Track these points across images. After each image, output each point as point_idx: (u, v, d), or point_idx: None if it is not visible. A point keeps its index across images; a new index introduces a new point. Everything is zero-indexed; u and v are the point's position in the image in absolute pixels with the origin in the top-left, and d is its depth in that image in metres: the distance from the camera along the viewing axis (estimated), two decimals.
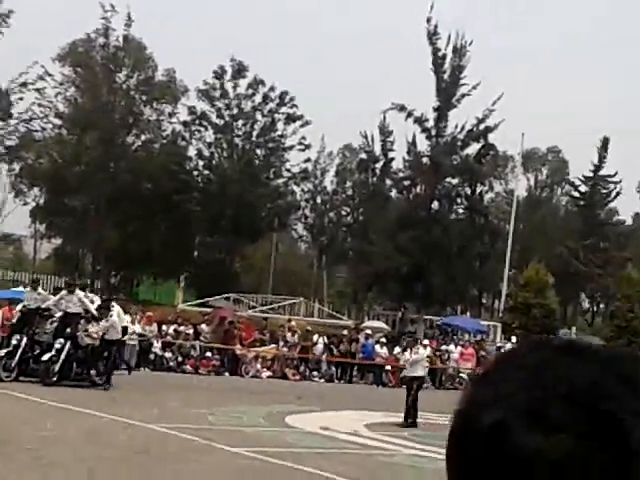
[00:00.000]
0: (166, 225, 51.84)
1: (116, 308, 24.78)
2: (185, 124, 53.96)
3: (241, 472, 12.30)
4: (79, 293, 23.50)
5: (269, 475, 12.25)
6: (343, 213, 62.45)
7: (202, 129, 54.23)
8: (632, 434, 0.70)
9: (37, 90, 49.95)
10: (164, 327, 33.31)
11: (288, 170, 56.26)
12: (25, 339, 22.25)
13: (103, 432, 15.10)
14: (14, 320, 24.30)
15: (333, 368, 35.97)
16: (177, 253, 52.87)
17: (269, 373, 34.08)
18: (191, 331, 33.97)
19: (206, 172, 55.62)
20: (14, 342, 22.25)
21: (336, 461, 13.91)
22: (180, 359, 32.92)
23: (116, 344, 23.87)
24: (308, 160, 57.34)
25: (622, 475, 0.70)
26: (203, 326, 34.54)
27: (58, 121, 52.20)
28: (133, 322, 31.52)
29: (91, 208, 51.26)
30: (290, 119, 54.51)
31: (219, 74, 53.68)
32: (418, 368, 21.73)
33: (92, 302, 23.97)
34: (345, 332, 38.53)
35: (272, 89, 54.12)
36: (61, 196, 51.80)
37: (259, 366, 33.99)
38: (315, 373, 35.29)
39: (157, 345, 32.43)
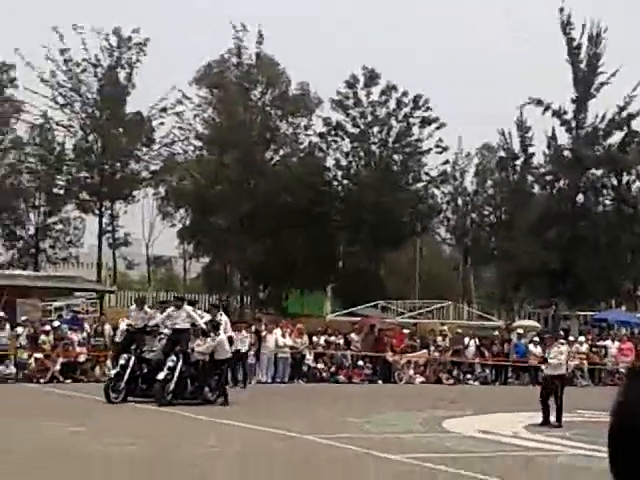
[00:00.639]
0: (309, 237, 52.21)
1: (224, 318, 24.30)
2: (321, 135, 54.32)
3: (399, 479, 12.19)
4: (187, 308, 22.75)
5: None
6: (485, 213, 61.57)
7: (338, 139, 54.49)
8: None
9: (176, 114, 51.22)
10: (315, 338, 33.53)
11: (427, 174, 55.94)
12: (133, 358, 21.64)
13: (262, 445, 15.25)
14: (119, 339, 24.31)
15: (487, 370, 35.48)
16: (322, 264, 53.19)
17: (422, 379, 33.88)
18: (341, 341, 34.10)
19: (345, 181, 55.83)
20: (122, 362, 21.61)
21: (499, 464, 13.65)
22: (333, 369, 33.08)
23: (226, 363, 23.08)
24: (446, 162, 56.89)
25: None
26: (353, 335, 34.61)
27: (198, 142, 53.37)
28: (284, 335, 31.89)
29: (234, 225, 52.15)
30: (425, 122, 54.17)
31: (351, 83, 53.85)
32: (559, 366, 21.06)
33: (201, 317, 23.16)
34: (496, 333, 37.96)
35: (405, 94, 53.93)
36: (205, 215, 52.87)
37: (412, 372, 33.83)
38: (469, 376, 34.89)
39: (309, 357, 32.67)
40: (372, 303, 45.04)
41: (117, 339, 24.88)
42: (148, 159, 51.89)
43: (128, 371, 21.37)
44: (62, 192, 51.39)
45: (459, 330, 37.30)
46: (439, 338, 35.69)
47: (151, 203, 60.15)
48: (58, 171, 50.85)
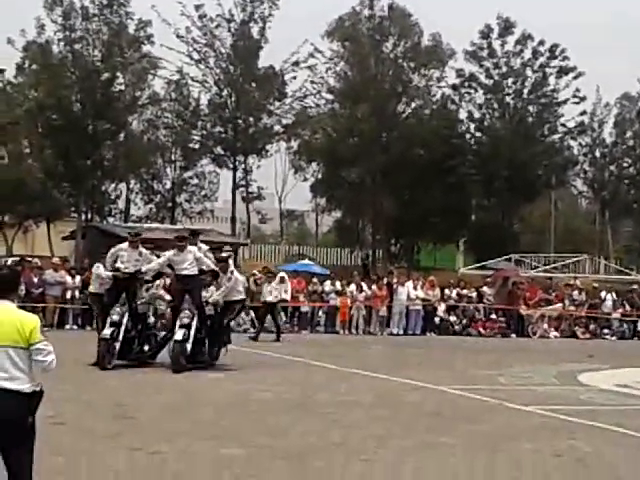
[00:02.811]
0: (441, 190, 51.80)
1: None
2: (454, 87, 53.56)
3: (536, 430, 12.03)
4: (191, 249, 18.06)
5: (564, 432, 11.90)
6: (625, 165, 59.80)
7: (472, 91, 53.63)
8: None
9: (309, 68, 51.31)
10: (447, 291, 33.36)
11: (563, 125, 54.59)
12: (127, 314, 17.85)
13: (394, 395, 15.28)
14: (95, 288, 19.30)
15: (625, 325, 34.66)
16: (454, 218, 52.74)
17: (557, 333, 33.36)
18: (474, 294, 33.82)
19: (478, 134, 54.99)
20: (114, 318, 17.51)
21: (635, 418, 13.31)
22: (465, 322, 32.88)
23: (241, 304, 19.21)
24: (584, 113, 55.34)
25: None
26: (485, 288, 34.28)
27: (330, 96, 53.37)
28: (415, 288, 31.84)
29: (367, 179, 52.12)
30: (562, 72, 52.74)
31: (486, 33, 52.80)
32: None
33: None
34: (635, 287, 36.95)
35: (541, 43, 52.60)
36: (338, 169, 53.04)
37: (546, 326, 33.34)
38: (606, 331, 34.16)
39: (441, 309, 32.55)
40: (505, 257, 44.45)
41: (92, 288, 19.48)
42: (281, 113, 52.19)
43: (122, 330, 17.70)
44: (197, 147, 52.29)
45: (595, 285, 36.49)
46: (575, 292, 35.00)
47: (284, 157, 60.74)
48: (193, 126, 51.72)
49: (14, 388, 6.02)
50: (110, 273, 18.26)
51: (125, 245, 18.48)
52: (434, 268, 48.79)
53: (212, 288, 18.56)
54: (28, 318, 6.22)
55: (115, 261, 18.38)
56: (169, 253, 18.02)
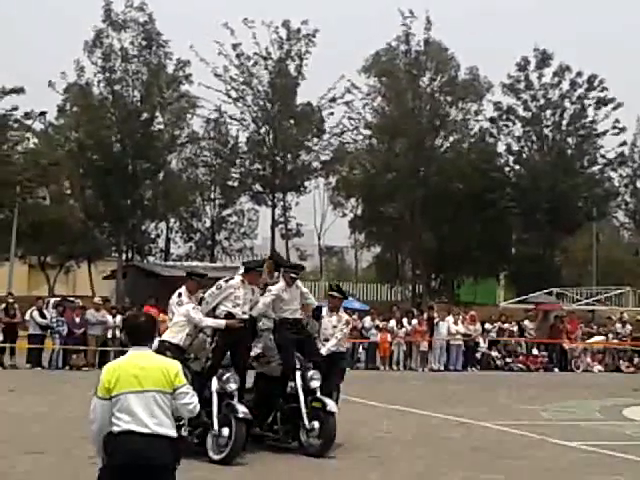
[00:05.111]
0: (481, 224, 51.60)
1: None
2: (492, 120, 53.44)
3: (580, 466, 11.84)
4: (299, 284, 13.73)
5: (608, 468, 11.69)
6: None
7: (509, 124, 53.44)
8: None
9: (346, 103, 51.57)
10: (487, 325, 33.07)
11: (603, 156, 54.17)
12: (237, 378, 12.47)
13: (437, 431, 15.13)
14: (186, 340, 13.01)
15: None
16: (494, 251, 52.47)
17: (600, 367, 32.90)
18: (515, 328, 33.49)
19: (517, 167, 54.74)
20: (232, 387, 12.19)
21: None
22: (507, 357, 32.55)
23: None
24: (624, 144, 54.92)
25: None
26: (527, 322, 33.93)
27: (367, 131, 53.51)
28: (456, 322, 31.60)
29: (406, 214, 52.04)
30: (601, 103, 52.47)
31: (523, 66, 52.70)
32: None
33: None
34: None
35: (579, 74, 52.42)
36: (376, 205, 53.02)
37: (589, 359, 32.92)
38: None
39: (483, 344, 32.26)
40: (546, 290, 44.07)
41: (175, 338, 12.82)
42: (318, 149, 52.45)
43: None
44: (236, 184, 52.60)
45: (639, 317, 36.03)
46: (618, 325, 34.56)
47: (322, 193, 60.86)
48: (232, 164, 52.08)
49: (165, 433, 6.13)
50: (223, 321, 12.65)
51: (237, 281, 12.99)
52: (474, 303, 48.45)
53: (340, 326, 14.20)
54: (171, 363, 6.41)
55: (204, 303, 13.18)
56: (276, 288, 13.25)
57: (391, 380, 26.52)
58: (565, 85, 52.65)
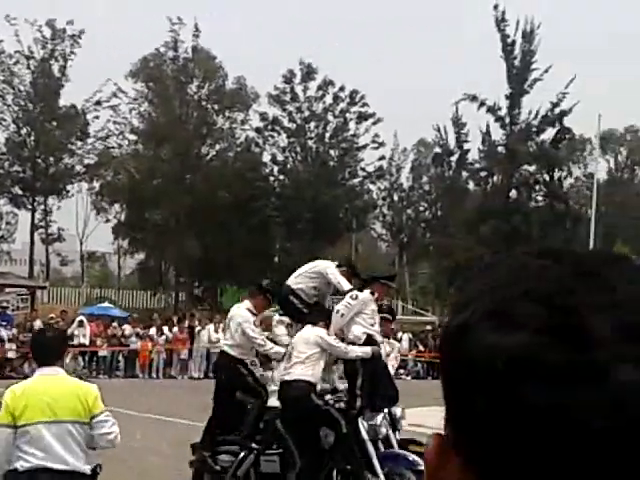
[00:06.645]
0: (245, 232, 52.13)
1: None
2: (258, 130, 54.20)
3: None
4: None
5: None
6: (421, 209, 62.07)
7: (275, 134, 54.41)
8: (586, 326, 0.68)
9: (112, 107, 50.86)
10: None
11: (363, 169, 56.14)
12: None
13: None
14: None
15: (419, 365, 35.74)
16: (258, 260, 53.09)
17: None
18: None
19: (281, 177, 55.79)
20: (382, 432, 9.72)
21: None
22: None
23: None
24: (382, 158, 57.14)
25: (578, 367, 0.68)
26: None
27: (133, 137, 53.02)
28: (217, 330, 31.76)
29: (171, 221, 51.84)
30: (362, 118, 54.34)
31: (288, 78, 53.79)
32: None
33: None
34: (429, 328, 38.22)
35: (342, 89, 54.05)
36: (141, 211, 52.51)
37: None
38: (401, 371, 35.03)
39: None
40: None
41: (317, 380, 9.88)
42: (82, 153, 51.50)
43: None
44: None
45: (392, 326, 37.43)
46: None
47: (85, 198, 59.62)
48: None
49: (83, 470, 5.32)
50: (369, 348, 9.90)
51: (368, 294, 10.26)
52: None
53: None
54: (88, 387, 5.52)
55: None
56: (370, 299, 10.37)
57: (150, 389, 26.30)
58: (329, 99, 54.18)
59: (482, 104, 50.71)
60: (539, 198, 53.32)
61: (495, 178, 52.77)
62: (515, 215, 49.82)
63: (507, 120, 51.14)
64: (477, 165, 53.95)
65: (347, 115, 54.44)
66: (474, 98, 50.75)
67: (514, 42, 50.48)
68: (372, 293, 10.17)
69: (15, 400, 5.29)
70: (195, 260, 51.62)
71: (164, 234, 52.01)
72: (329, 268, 10.49)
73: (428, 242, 59.40)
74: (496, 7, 50.23)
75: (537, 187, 52.80)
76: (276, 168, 55.61)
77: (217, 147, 54.07)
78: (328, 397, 9.91)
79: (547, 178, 52.37)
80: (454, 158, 54.98)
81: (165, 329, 31.40)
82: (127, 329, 31.17)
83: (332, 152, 55.14)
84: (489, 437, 0.70)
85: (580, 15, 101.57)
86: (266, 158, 55.41)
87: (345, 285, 10.20)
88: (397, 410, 10.10)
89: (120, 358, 30.99)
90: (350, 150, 54.97)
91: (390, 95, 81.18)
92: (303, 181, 53.15)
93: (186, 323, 32.06)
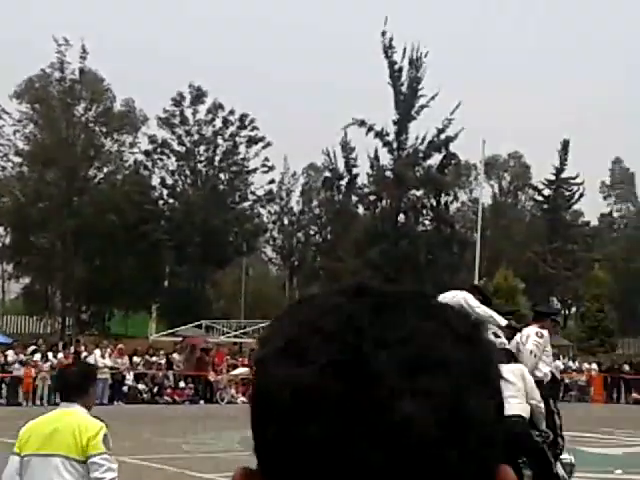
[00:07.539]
0: (134, 256, 51.57)
1: None
2: (147, 153, 53.81)
3: None
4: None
5: None
6: (311, 232, 62.47)
7: (164, 157, 54.13)
8: (368, 361, 0.70)
9: None
10: (136, 359, 33.03)
11: (253, 193, 56.28)
12: None
13: None
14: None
15: None
16: (147, 284, 52.58)
17: (244, 398, 33.86)
18: (163, 361, 33.72)
19: (171, 200, 55.45)
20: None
21: None
22: (155, 390, 32.67)
23: None
24: (272, 182, 57.45)
25: (357, 402, 0.69)
26: (175, 355, 34.30)
27: (18, 159, 51.94)
28: (103, 356, 31.30)
29: (57, 244, 50.92)
30: (252, 141, 54.52)
31: (178, 101, 53.62)
32: None
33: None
34: None
35: (232, 112, 54.14)
36: (26, 234, 51.47)
37: (234, 391, 33.78)
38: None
39: (129, 377, 32.15)
40: (196, 323, 44.77)
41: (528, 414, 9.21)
42: None
43: None
44: None
45: None
46: None
47: None
48: None
49: None
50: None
51: (538, 328, 10.21)
52: (126, 335, 48.20)
53: None
54: (90, 424, 5.15)
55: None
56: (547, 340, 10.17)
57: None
58: (218, 122, 54.15)
59: (370, 129, 51.43)
60: (426, 222, 54.28)
61: (384, 202, 53.46)
62: (403, 239, 50.55)
63: (395, 145, 51.98)
64: (366, 189, 54.63)
65: (237, 139, 54.54)
66: (363, 123, 51.44)
67: (401, 69, 51.40)
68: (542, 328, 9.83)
69: (25, 430, 5.33)
70: (83, 284, 50.78)
71: (50, 258, 51.04)
72: (470, 299, 9.45)
73: (318, 265, 59.74)
74: (384, 34, 51.15)
75: (424, 211, 53.75)
76: (165, 191, 55.28)
77: (105, 170, 53.43)
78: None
79: (434, 203, 53.35)
80: (343, 182, 55.55)
81: (50, 355, 30.75)
82: (10, 355, 30.42)
83: (222, 176, 55.10)
84: (278, 468, 0.73)
85: (470, 47, 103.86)
86: (155, 181, 55.15)
87: (500, 320, 9.46)
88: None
89: (2, 385, 30.21)
90: (240, 174, 55.03)
91: (279, 120, 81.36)
92: (193, 205, 52.93)
93: (72, 349, 31.47)
